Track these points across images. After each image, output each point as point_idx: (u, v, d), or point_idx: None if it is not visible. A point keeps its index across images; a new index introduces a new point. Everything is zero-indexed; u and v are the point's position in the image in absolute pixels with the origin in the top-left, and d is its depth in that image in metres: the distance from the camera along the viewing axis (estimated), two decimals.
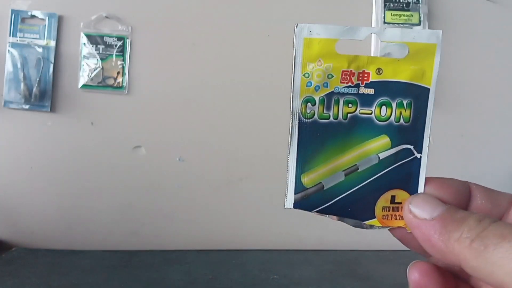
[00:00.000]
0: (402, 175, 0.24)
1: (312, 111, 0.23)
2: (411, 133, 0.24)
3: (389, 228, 0.24)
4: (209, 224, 0.80)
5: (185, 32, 0.79)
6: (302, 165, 0.24)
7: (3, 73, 0.76)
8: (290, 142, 0.23)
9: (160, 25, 0.79)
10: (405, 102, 0.23)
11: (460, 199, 0.23)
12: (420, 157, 0.24)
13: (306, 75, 0.23)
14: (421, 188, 0.24)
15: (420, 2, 0.80)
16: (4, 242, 0.77)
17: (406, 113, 0.24)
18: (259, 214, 0.79)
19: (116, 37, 0.78)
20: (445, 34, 0.90)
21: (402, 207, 0.24)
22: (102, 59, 0.77)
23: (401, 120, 0.24)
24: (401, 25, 0.80)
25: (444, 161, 0.85)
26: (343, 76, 0.23)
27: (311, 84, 0.23)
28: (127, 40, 0.78)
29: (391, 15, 0.79)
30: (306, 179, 0.24)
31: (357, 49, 0.24)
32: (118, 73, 0.78)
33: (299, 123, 0.23)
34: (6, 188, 0.77)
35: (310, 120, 0.23)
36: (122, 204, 0.79)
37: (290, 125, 0.23)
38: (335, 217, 0.24)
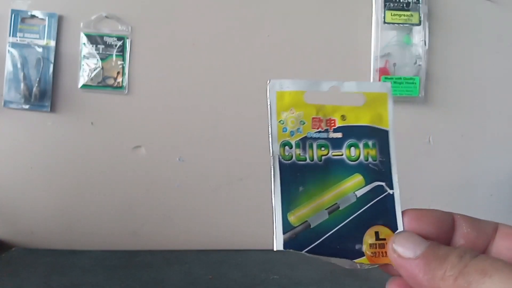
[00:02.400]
0: (380, 211, 0.25)
1: (290, 154, 0.25)
2: (380, 170, 0.26)
3: (378, 265, 0.25)
4: (209, 224, 0.80)
5: (185, 32, 0.79)
6: (287, 204, 0.24)
7: (3, 73, 0.76)
8: (273, 182, 0.25)
9: (160, 25, 0.79)
10: (370, 143, 0.26)
11: (443, 229, 0.24)
12: (393, 192, 0.26)
13: (281, 122, 0.25)
14: (399, 223, 0.25)
15: (420, 2, 0.80)
16: (4, 242, 0.77)
17: (373, 152, 0.26)
18: (259, 214, 0.79)
19: (116, 37, 0.77)
20: (445, 34, 0.90)
21: (387, 243, 0.25)
22: (102, 59, 0.77)
23: (370, 159, 0.26)
24: (401, 25, 0.80)
25: (444, 161, 0.85)
26: (314, 123, 0.26)
27: (287, 129, 0.25)
28: (127, 40, 0.78)
29: (391, 15, 0.79)
30: (292, 218, 0.24)
31: (326, 99, 0.26)
32: (118, 73, 0.78)
33: (280, 164, 0.25)
34: (6, 188, 0.77)
35: (289, 161, 0.25)
36: (122, 204, 0.79)
37: (272, 166, 0.25)
38: (326, 257, 0.24)
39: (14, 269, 0.65)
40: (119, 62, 0.78)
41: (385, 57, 0.80)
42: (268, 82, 0.26)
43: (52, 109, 0.77)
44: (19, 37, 0.76)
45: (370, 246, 0.25)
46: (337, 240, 0.24)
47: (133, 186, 0.79)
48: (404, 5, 0.80)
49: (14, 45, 0.76)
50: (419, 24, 0.80)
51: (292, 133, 0.25)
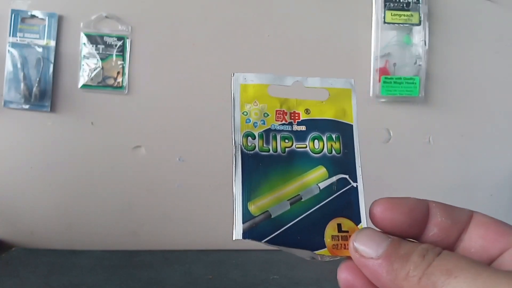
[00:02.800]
0: (343, 203, 0.25)
1: (253, 144, 0.25)
2: (344, 163, 0.26)
3: (339, 257, 0.24)
4: (209, 224, 0.80)
5: (185, 32, 0.79)
6: (248, 194, 0.24)
7: (3, 73, 0.76)
8: (235, 171, 0.25)
9: (160, 25, 0.79)
10: (333, 136, 0.26)
11: (416, 218, 0.23)
12: (356, 185, 0.26)
13: (245, 113, 0.26)
14: (363, 216, 0.25)
15: (420, 2, 0.80)
16: (4, 242, 0.77)
17: (336, 145, 0.26)
18: None
19: (116, 37, 0.77)
20: (445, 34, 0.90)
21: (349, 236, 0.24)
22: (102, 59, 0.77)
23: (333, 152, 0.26)
24: (401, 25, 0.80)
25: (444, 161, 0.85)
26: (277, 115, 0.26)
27: (250, 121, 0.26)
28: (127, 40, 0.78)
29: (391, 15, 0.79)
30: (253, 207, 0.24)
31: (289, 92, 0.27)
32: (118, 73, 0.78)
33: (241, 154, 0.25)
34: (6, 188, 0.77)
35: (252, 152, 0.25)
36: (122, 204, 0.79)
37: (233, 156, 0.25)
38: (286, 248, 0.24)
39: (14, 269, 0.65)
40: (119, 62, 0.78)
41: (385, 57, 0.80)
42: (232, 75, 0.26)
43: (52, 109, 0.77)
44: (19, 37, 0.76)
45: (332, 238, 0.24)
46: (298, 231, 0.24)
47: (133, 186, 0.79)
48: (404, 5, 0.80)
49: (14, 45, 0.76)
50: (419, 24, 0.80)
51: (255, 124, 0.26)
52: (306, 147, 0.26)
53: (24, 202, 0.78)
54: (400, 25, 0.80)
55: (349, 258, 0.23)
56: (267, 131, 0.26)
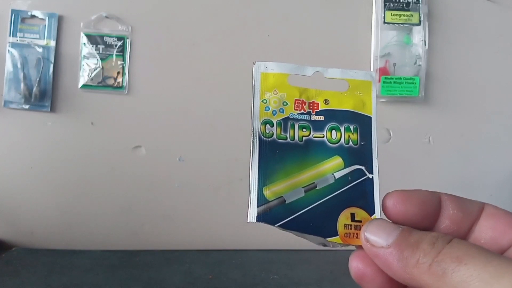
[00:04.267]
0: (358, 193, 0.25)
1: (271, 132, 0.26)
2: (360, 154, 0.26)
3: (350, 245, 0.25)
4: (209, 224, 0.80)
5: (185, 32, 0.79)
6: (264, 179, 0.25)
7: (3, 73, 0.76)
8: (252, 157, 0.25)
9: (160, 25, 0.79)
10: (351, 127, 0.27)
11: (429, 210, 0.23)
12: (372, 177, 0.26)
13: (264, 101, 0.26)
14: (377, 207, 0.25)
15: (420, 2, 0.80)
16: (4, 242, 0.77)
17: (354, 136, 0.27)
18: None
19: (116, 37, 0.77)
20: (445, 34, 0.90)
21: (362, 225, 0.24)
22: (102, 59, 0.77)
23: (350, 143, 0.26)
24: (401, 25, 0.80)
25: (444, 161, 0.85)
26: (296, 104, 0.27)
27: (269, 108, 0.26)
28: (127, 40, 0.78)
29: (391, 15, 0.79)
30: (268, 192, 0.25)
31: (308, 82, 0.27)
32: (118, 73, 0.78)
33: (259, 140, 0.25)
34: (6, 188, 0.77)
35: (270, 139, 0.25)
36: (122, 204, 0.79)
37: (251, 142, 0.25)
38: (298, 233, 0.24)
39: (14, 269, 0.65)
40: (119, 62, 0.78)
41: (385, 57, 0.80)
42: (253, 63, 0.27)
43: (52, 109, 0.77)
44: (19, 37, 0.76)
45: (344, 226, 0.25)
46: (311, 217, 0.24)
47: (133, 186, 0.79)
48: (404, 5, 0.80)
49: (14, 45, 0.76)
50: (419, 24, 0.80)
51: (274, 113, 0.26)
52: (323, 136, 0.26)
53: (24, 202, 0.78)
54: (400, 25, 0.80)
55: (360, 247, 0.24)
56: (285, 120, 0.26)
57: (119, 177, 0.79)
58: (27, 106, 0.76)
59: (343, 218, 0.25)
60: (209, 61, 0.79)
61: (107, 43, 0.77)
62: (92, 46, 0.77)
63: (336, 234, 0.24)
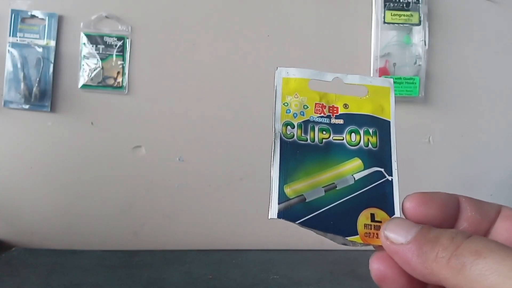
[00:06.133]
0: (378, 195, 0.26)
1: (292, 133, 0.27)
2: (380, 157, 0.27)
3: (370, 245, 0.25)
4: (209, 224, 0.80)
5: (185, 32, 0.79)
6: (285, 177, 0.25)
7: (3, 73, 0.76)
8: (273, 156, 0.26)
9: (160, 25, 0.79)
10: (371, 130, 0.27)
11: (447, 212, 0.24)
12: (392, 179, 0.27)
13: (286, 104, 0.27)
14: (396, 208, 0.26)
15: (420, 2, 0.80)
16: (4, 242, 0.77)
17: (373, 139, 0.27)
18: (259, 214, 0.79)
19: (116, 37, 0.78)
20: (445, 34, 0.90)
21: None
22: (102, 59, 0.77)
23: (370, 145, 0.27)
24: (401, 25, 0.80)
25: (444, 161, 0.85)
26: (316, 108, 0.27)
27: (290, 111, 0.27)
28: (127, 40, 0.78)
29: (391, 15, 0.79)
30: (288, 190, 0.25)
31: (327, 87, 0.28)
32: (118, 73, 0.78)
33: (280, 140, 0.26)
34: (6, 188, 0.77)
35: (291, 140, 0.26)
36: (122, 204, 0.79)
37: (273, 142, 0.26)
38: (318, 231, 0.25)
39: (14, 269, 0.65)
40: (119, 62, 0.78)
41: (385, 57, 0.80)
42: (276, 69, 0.28)
43: (52, 109, 0.77)
44: (19, 37, 0.76)
45: (364, 226, 0.25)
46: (331, 216, 0.25)
47: (133, 186, 0.79)
48: (404, 5, 0.80)
49: (14, 45, 0.76)
50: (419, 24, 0.80)
51: (295, 115, 0.27)
52: (343, 139, 0.27)
53: (24, 202, 0.78)
54: (400, 25, 0.80)
55: (380, 247, 0.24)
56: (306, 122, 0.27)
57: (119, 177, 0.79)
58: (27, 106, 0.76)
59: (363, 218, 0.25)
60: (209, 61, 0.79)
61: (107, 43, 0.77)
62: (92, 46, 0.77)
63: (356, 234, 0.25)
